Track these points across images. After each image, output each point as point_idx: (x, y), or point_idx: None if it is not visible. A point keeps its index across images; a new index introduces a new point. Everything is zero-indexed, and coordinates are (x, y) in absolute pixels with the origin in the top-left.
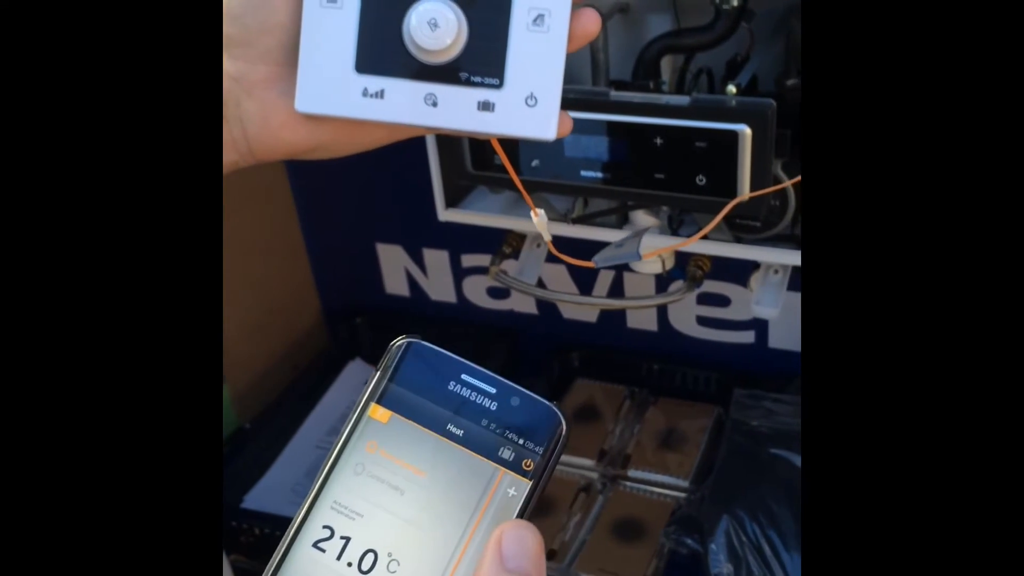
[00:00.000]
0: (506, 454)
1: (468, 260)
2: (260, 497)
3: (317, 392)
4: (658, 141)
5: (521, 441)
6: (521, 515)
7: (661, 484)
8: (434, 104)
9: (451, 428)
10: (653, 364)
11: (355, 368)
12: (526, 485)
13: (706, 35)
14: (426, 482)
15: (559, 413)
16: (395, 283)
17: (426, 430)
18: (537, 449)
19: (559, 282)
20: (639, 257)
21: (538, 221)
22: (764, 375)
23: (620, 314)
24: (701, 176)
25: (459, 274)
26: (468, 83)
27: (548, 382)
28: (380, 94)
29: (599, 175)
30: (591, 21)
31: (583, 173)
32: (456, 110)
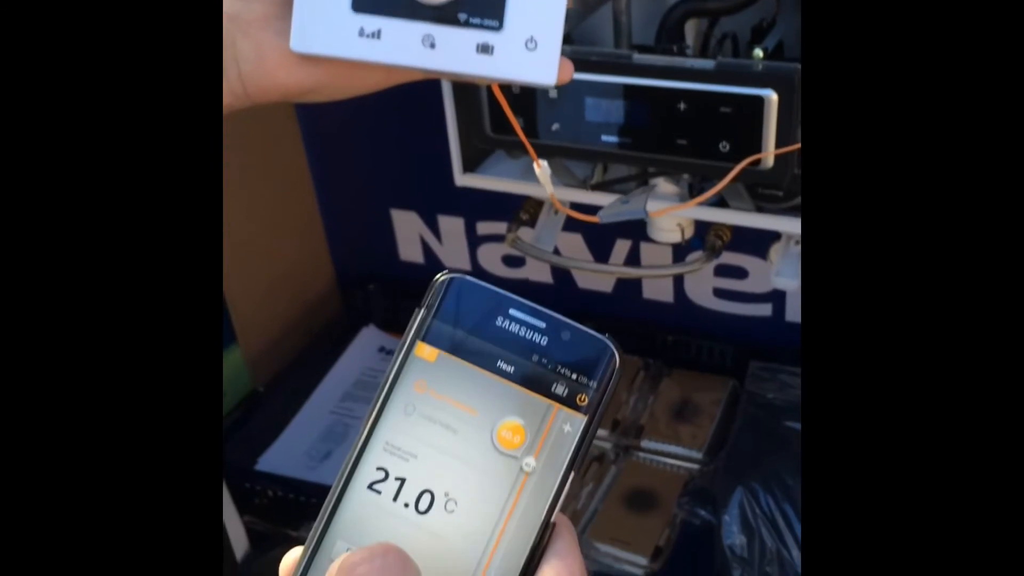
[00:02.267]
0: (559, 389)
1: (483, 228)
2: (274, 460)
3: (330, 357)
4: (681, 106)
5: (574, 376)
6: (577, 451)
7: (674, 455)
8: (432, 46)
9: (501, 365)
10: (668, 336)
11: (368, 334)
12: (581, 420)
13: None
14: (479, 420)
15: (611, 345)
16: (410, 250)
17: (476, 367)
18: (591, 383)
19: (575, 251)
20: (645, 214)
21: (540, 173)
22: (780, 348)
23: (636, 285)
24: (725, 142)
25: (474, 242)
26: (467, 25)
27: None
28: (377, 34)
29: (620, 140)
30: None
31: (603, 138)
32: (454, 52)
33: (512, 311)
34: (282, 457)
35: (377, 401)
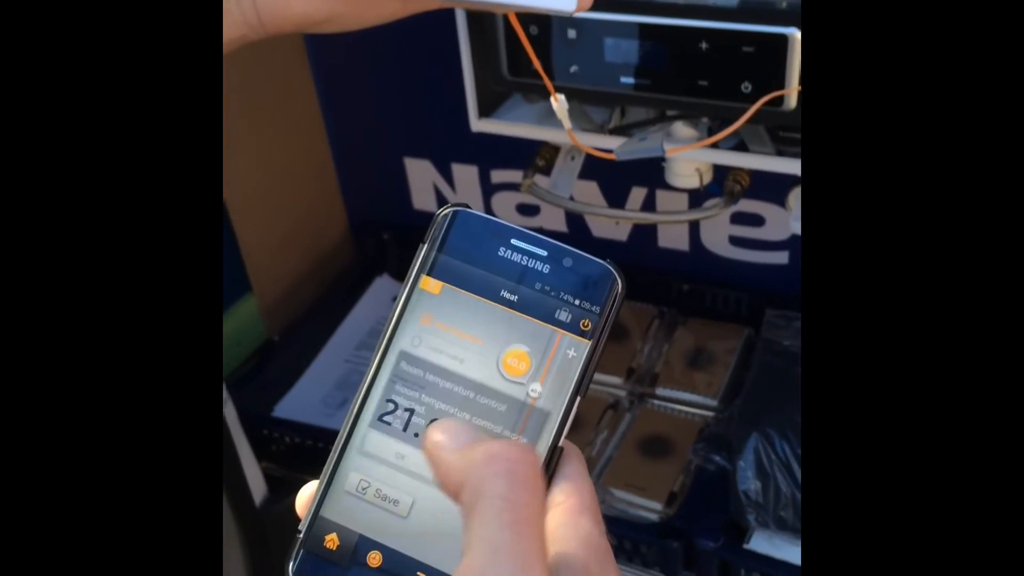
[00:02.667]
0: (563, 316)
1: (497, 176)
2: (290, 407)
3: (344, 307)
4: (703, 45)
5: (577, 302)
6: (582, 376)
7: (689, 403)
8: None
9: (505, 294)
10: (683, 284)
11: (382, 284)
12: (585, 345)
13: None
14: (484, 350)
15: (614, 270)
16: (423, 199)
17: (480, 298)
18: (594, 308)
19: (591, 199)
20: (662, 152)
21: (558, 107)
22: (796, 296)
23: (651, 234)
24: (747, 83)
25: (488, 190)
26: None
27: None
28: None
29: (639, 81)
30: None
31: (622, 79)
32: None
33: (514, 240)
34: (298, 405)
35: (384, 335)
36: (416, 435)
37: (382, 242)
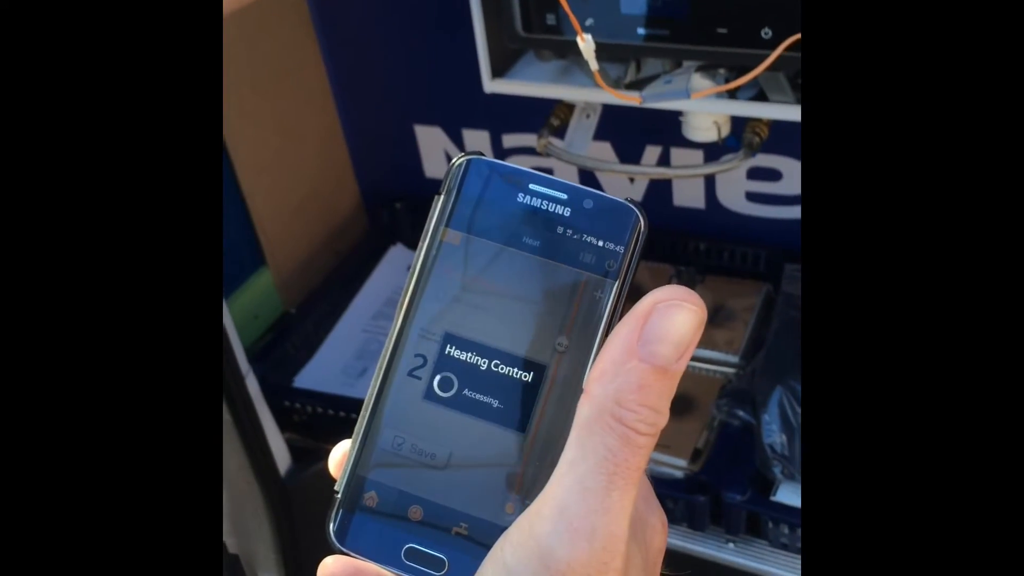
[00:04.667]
0: (587, 258)
1: (509, 140)
2: (310, 378)
3: (360, 277)
4: None
5: (600, 243)
6: (611, 317)
7: (710, 360)
8: None
9: (527, 240)
10: (700, 243)
11: (396, 253)
12: (612, 285)
13: None
14: (511, 298)
15: (635, 209)
16: (434, 166)
17: (502, 245)
18: (618, 248)
19: (606, 159)
20: (688, 95)
21: (584, 47)
22: None
23: (667, 192)
24: (767, 28)
25: (500, 155)
26: None
27: None
28: None
29: (657, 31)
30: None
31: (640, 31)
32: None
33: (532, 185)
34: (319, 375)
35: (408, 289)
36: (445, 389)
37: (395, 211)
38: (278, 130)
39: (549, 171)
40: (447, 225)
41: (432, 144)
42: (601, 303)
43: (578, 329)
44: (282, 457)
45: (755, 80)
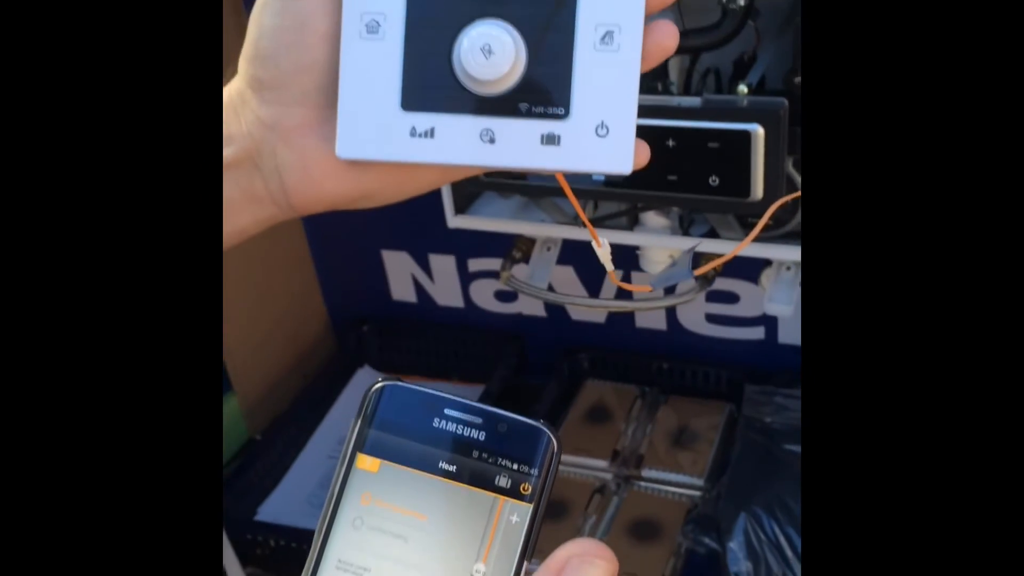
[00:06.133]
0: (503, 482)
1: (475, 264)
2: (274, 508)
3: (327, 401)
4: (670, 143)
5: (515, 466)
6: (527, 539)
7: (675, 483)
8: (491, 140)
9: (443, 465)
10: (663, 363)
11: (364, 375)
12: (528, 509)
13: (713, 35)
14: (428, 525)
15: (547, 431)
16: (402, 289)
17: (419, 472)
18: (532, 471)
19: (568, 284)
20: (691, 275)
21: (602, 253)
22: (775, 371)
23: (629, 314)
24: (714, 176)
25: (466, 279)
26: (529, 115)
27: (558, 384)
28: (430, 133)
29: (611, 178)
30: (668, 35)
31: (595, 176)
32: (516, 146)
33: (447, 410)
34: (282, 505)
35: (324, 518)
36: None
37: (362, 334)
38: (245, 256)
39: (514, 296)
40: (363, 451)
41: (399, 268)
42: (519, 527)
43: (495, 555)
44: None
45: (704, 217)
